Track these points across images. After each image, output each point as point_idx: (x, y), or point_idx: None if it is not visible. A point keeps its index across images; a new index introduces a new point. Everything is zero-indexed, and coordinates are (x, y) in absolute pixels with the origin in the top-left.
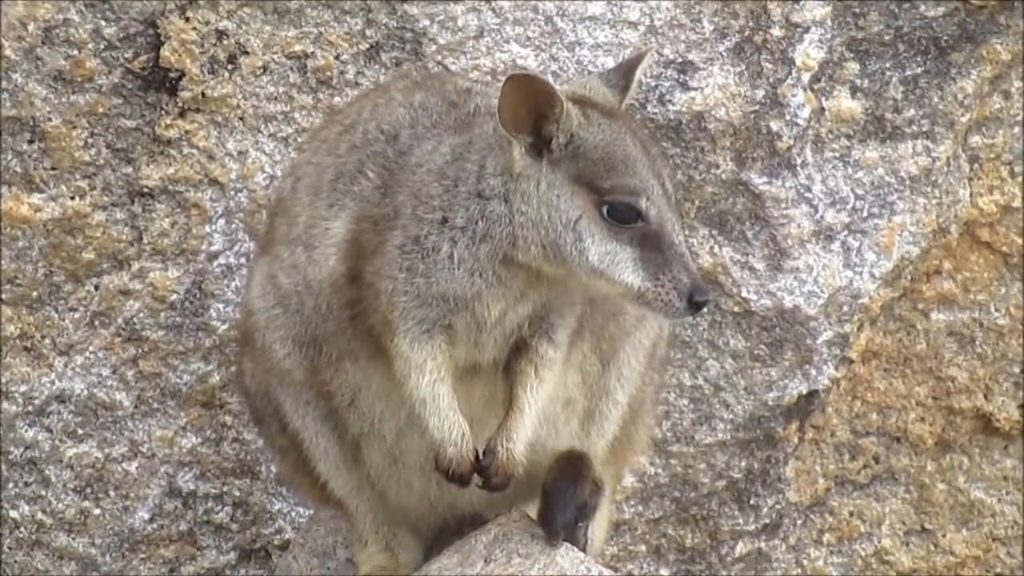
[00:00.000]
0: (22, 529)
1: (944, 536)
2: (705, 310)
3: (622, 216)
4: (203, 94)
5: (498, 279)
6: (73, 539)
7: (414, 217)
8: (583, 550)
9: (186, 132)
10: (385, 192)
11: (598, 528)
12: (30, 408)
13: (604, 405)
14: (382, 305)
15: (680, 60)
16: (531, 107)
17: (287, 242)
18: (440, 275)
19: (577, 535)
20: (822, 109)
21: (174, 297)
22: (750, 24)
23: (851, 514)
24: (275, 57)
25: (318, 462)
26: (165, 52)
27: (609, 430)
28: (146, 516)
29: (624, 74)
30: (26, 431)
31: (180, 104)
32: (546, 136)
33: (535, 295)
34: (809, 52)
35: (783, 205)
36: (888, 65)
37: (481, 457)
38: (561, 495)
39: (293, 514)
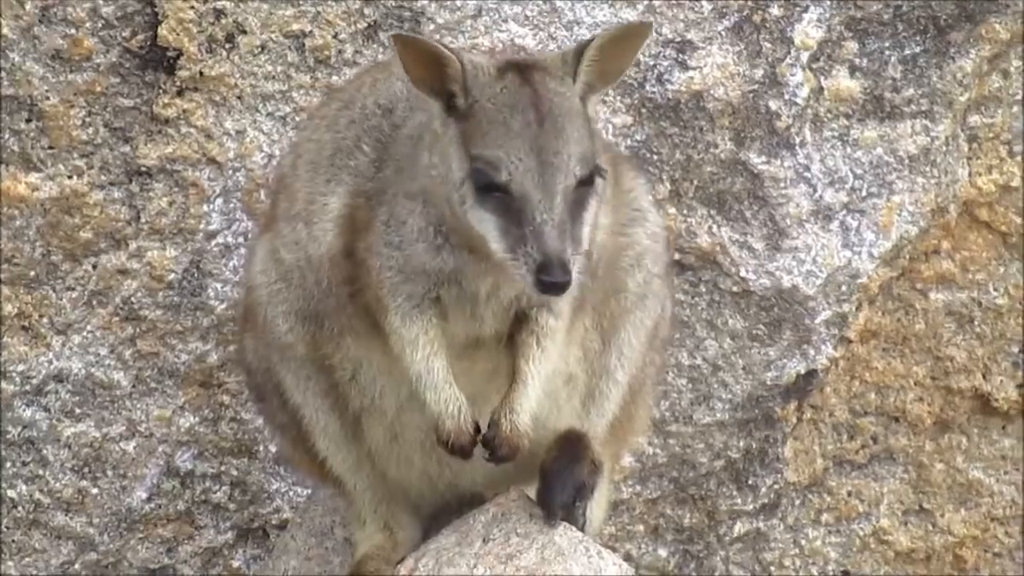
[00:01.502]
0: (20, 508)
1: (942, 516)
2: (561, 291)
3: (485, 184)
4: (201, 73)
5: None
6: (71, 518)
7: (395, 189)
8: (581, 530)
9: (184, 111)
10: (379, 166)
11: (597, 508)
12: (28, 387)
13: (604, 384)
14: (373, 281)
15: (679, 39)
16: (430, 67)
17: (288, 218)
18: (411, 248)
19: (575, 515)
20: (821, 88)
21: (172, 276)
22: (749, 3)
23: (849, 494)
24: (273, 36)
25: (318, 438)
26: (163, 31)
27: (609, 410)
28: (144, 495)
29: (575, 57)
30: (24, 410)
31: (178, 83)
32: (452, 95)
33: None
34: (808, 31)
35: (782, 185)
36: (887, 44)
37: (484, 430)
38: (559, 475)
39: (291, 493)
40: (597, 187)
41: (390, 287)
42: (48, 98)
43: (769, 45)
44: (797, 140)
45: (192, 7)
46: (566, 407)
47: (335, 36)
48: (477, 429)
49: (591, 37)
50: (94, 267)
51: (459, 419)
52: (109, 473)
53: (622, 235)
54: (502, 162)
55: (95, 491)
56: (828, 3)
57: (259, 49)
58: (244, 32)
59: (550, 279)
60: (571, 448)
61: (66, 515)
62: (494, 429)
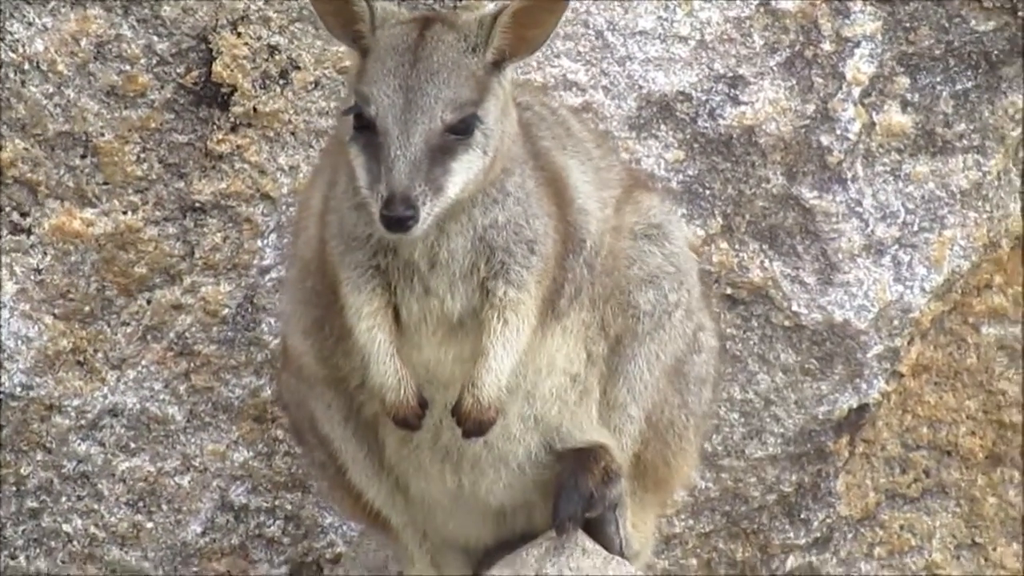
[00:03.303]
0: (75, 543)
1: (995, 550)
2: (403, 228)
3: (359, 119)
4: (255, 109)
5: None
6: (126, 553)
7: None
8: (620, 552)
9: (238, 147)
10: None
11: (631, 527)
12: (83, 422)
13: (617, 418)
14: (328, 256)
15: (731, 74)
16: (338, 8)
17: (293, 236)
18: (344, 211)
19: (609, 534)
20: (872, 123)
21: (226, 311)
22: (800, 39)
23: (902, 528)
24: (326, 72)
25: (350, 469)
26: (217, 67)
27: (627, 445)
28: (198, 530)
29: (491, 22)
30: (79, 445)
31: (232, 119)
32: (361, 36)
33: (455, 225)
34: (860, 66)
35: (833, 219)
36: (938, 79)
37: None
38: (564, 488)
39: (345, 528)
40: (476, 141)
41: (338, 256)
42: (103, 134)
43: (821, 80)
44: (849, 175)
45: (246, 44)
46: (580, 412)
47: None
48: (423, 403)
49: (506, 4)
50: (148, 302)
51: (400, 391)
52: (164, 507)
53: (629, 243)
54: (372, 97)
55: (150, 525)
56: (879, 38)
57: (313, 85)
58: (298, 68)
59: (389, 213)
60: (577, 459)
61: (121, 549)
62: (458, 405)
